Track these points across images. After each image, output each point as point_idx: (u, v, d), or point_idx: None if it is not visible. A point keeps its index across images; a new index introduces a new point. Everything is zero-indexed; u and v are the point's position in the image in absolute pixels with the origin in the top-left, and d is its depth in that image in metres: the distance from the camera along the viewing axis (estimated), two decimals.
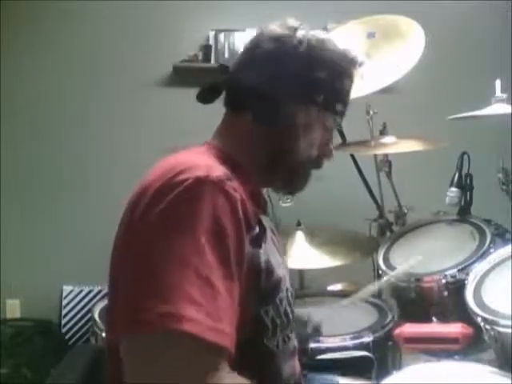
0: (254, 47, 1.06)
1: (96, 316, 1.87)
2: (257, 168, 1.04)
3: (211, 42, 2.98)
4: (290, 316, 1.02)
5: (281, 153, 1.04)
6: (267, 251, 0.95)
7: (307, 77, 1.03)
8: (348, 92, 1.10)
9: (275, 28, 1.08)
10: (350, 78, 1.09)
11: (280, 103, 1.02)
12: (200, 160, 0.93)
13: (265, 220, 1.01)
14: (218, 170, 0.89)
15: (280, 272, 0.98)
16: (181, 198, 0.84)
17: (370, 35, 1.92)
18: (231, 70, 1.08)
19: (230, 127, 1.07)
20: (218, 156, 0.99)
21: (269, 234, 0.99)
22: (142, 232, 0.85)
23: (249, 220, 0.90)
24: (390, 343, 1.59)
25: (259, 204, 1.03)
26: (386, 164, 2.11)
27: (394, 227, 2.14)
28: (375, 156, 2.16)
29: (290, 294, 1.03)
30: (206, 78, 1.04)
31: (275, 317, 0.96)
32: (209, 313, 0.78)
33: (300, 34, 1.06)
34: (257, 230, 0.93)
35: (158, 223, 0.84)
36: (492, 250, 1.64)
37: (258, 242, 0.93)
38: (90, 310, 2.88)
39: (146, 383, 0.77)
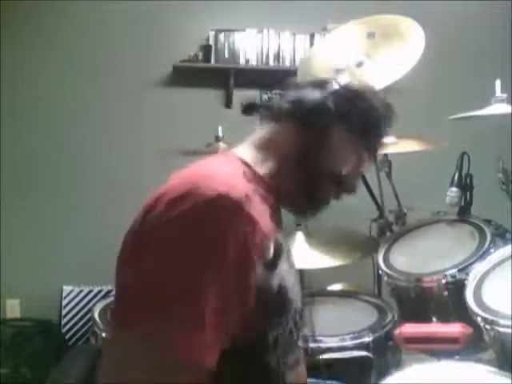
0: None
1: (96, 316, 1.87)
2: (282, 179, 1.02)
3: (211, 42, 2.98)
4: (294, 334, 1.01)
5: (308, 153, 1.02)
6: (282, 273, 0.93)
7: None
8: (380, 140, 1.10)
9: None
10: (384, 128, 1.09)
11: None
12: (222, 173, 0.90)
13: (281, 237, 0.99)
14: (240, 188, 0.86)
15: (293, 294, 0.97)
16: (195, 214, 0.82)
17: (370, 35, 1.92)
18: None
19: (264, 138, 1.04)
20: (242, 168, 0.96)
21: (285, 254, 0.97)
22: (149, 240, 0.84)
23: (264, 244, 0.87)
24: (390, 343, 1.59)
25: (279, 220, 1.03)
26: (385, 164, 2.11)
27: (394, 227, 2.14)
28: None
29: (297, 315, 1.01)
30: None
31: (279, 336, 0.95)
32: (190, 331, 0.78)
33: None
34: (271, 253, 0.90)
35: (166, 235, 0.83)
36: (492, 250, 1.64)
37: (273, 265, 0.91)
38: (90, 310, 2.88)
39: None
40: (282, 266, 0.94)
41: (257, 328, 0.91)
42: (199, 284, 0.79)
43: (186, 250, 0.81)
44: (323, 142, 1.01)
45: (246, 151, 1.02)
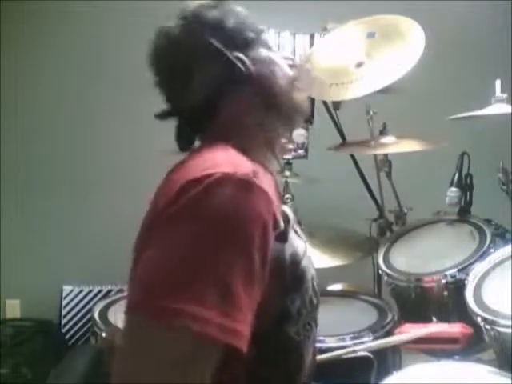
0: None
1: (96, 316, 1.87)
2: (272, 130, 1.06)
3: None
4: (315, 303, 1.01)
5: (275, 94, 1.05)
6: (292, 242, 0.95)
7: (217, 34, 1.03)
8: (242, 15, 1.09)
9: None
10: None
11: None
12: (226, 156, 0.91)
13: (287, 209, 1.01)
14: (246, 166, 0.88)
15: (305, 261, 0.97)
16: (206, 195, 0.83)
17: (370, 35, 1.92)
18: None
19: (219, 122, 1.05)
20: (233, 145, 0.96)
21: (292, 225, 0.99)
22: (164, 225, 0.84)
23: (276, 217, 0.88)
24: None
25: (279, 193, 1.04)
26: (386, 164, 2.11)
27: (394, 227, 2.14)
28: (375, 156, 2.16)
29: (315, 283, 1.02)
30: None
31: (301, 306, 0.96)
32: (222, 313, 0.78)
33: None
34: (282, 225, 0.91)
35: (181, 219, 0.83)
36: (492, 250, 1.64)
37: (284, 236, 0.92)
38: (90, 310, 2.87)
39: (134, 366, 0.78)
40: (292, 237, 0.96)
41: (277, 301, 0.91)
42: (226, 264, 0.80)
43: (206, 233, 0.81)
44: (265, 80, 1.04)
45: (221, 143, 0.99)
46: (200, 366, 0.79)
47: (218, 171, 0.84)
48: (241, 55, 1.03)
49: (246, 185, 0.84)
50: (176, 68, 1.05)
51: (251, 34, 1.06)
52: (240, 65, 1.02)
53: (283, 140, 1.14)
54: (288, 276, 0.93)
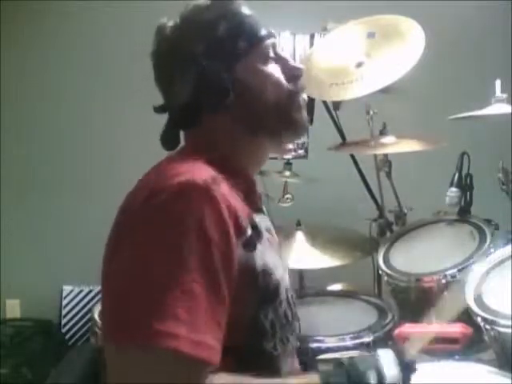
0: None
1: (96, 316, 1.87)
2: (249, 147, 1.02)
3: None
4: (290, 318, 1.00)
5: (254, 114, 1.00)
6: (263, 253, 0.93)
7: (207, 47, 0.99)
8: (245, 20, 1.02)
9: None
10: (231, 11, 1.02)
11: (214, 76, 0.98)
12: (186, 165, 0.91)
13: (261, 220, 0.98)
14: (204, 174, 0.87)
15: (278, 274, 0.96)
16: (164, 206, 0.83)
17: (370, 35, 1.92)
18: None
19: (202, 131, 1.03)
20: (207, 157, 0.95)
21: (265, 234, 0.97)
22: (125, 241, 0.85)
23: (239, 224, 0.88)
24: (390, 343, 1.59)
25: (254, 203, 1.01)
26: (386, 164, 2.11)
27: (394, 227, 2.14)
28: (375, 156, 2.15)
29: (290, 296, 1.01)
30: None
31: (275, 320, 0.95)
32: (190, 327, 0.77)
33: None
34: (249, 232, 0.91)
35: (139, 233, 0.84)
36: (492, 250, 1.64)
37: (251, 245, 0.91)
38: (89, 310, 2.88)
39: None
40: (263, 248, 0.93)
41: (250, 314, 0.91)
42: (191, 280, 0.79)
43: (164, 247, 0.81)
44: (249, 91, 0.99)
45: (197, 152, 0.99)
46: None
47: (175, 182, 0.84)
48: (225, 70, 0.97)
49: (202, 191, 0.84)
50: (161, 69, 1.04)
51: (243, 44, 0.99)
52: (219, 81, 0.97)
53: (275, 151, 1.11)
54: (259, 287, 0.91)
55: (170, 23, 1.04)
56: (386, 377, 0.88)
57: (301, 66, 1.05)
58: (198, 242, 0.81)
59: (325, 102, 2.22)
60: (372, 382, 0.87)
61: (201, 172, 0.88)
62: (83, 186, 2.95)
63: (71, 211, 2.95)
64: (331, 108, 2.23)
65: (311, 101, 2.61)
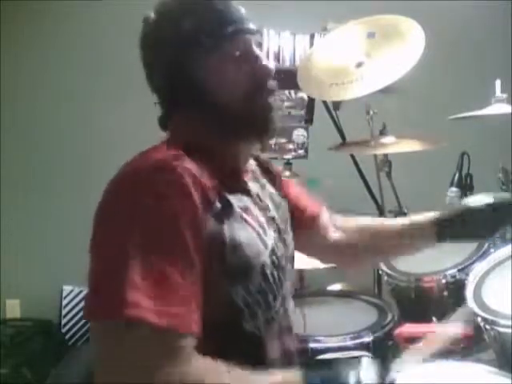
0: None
1: None
2: (213, 140, 1.02)
3: None
4: (269, 295, 0.99)
5: (215, 109, 1.00)
6: (234, 228, 0.94)
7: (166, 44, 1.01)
8: (212, 16, 1.00)
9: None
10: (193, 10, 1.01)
11: (169, 79, 1.01)
12: (152, 150, 0.96)
13: (237, 199, 0.98)
14: (163, 153, 0.92)
15: (252, 251, 0.95)
16: (125, 188, 0.90)
17: (370, 35, 1.92)
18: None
19: (174, 125, 1.06)
20: (175, 145, 0.96)
21: (238, 211, 0.96)
22: (95, 229, 0.90)
23: (207, 196, 0.90)
24: (390, 343, 1.59)
25: (234, 185, 1.00)
26: (386, 164, 2.11)
27: None
28: (375, 156, 2.16)
29: (269, 272, 0.99)
30: None
31: (247, 298, 0.95)
32: (156, 298, 0.80)
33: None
34: (218, 205, 0.92)
35: (103, 218, 0.89)
36: (492, 250, 1.64)
37: (220, 217, 0.92)
38: None
39: (108, 366, 0.81)
40: (236, 223, 0.94)
41: (220, 289, 0.92)
42: (155, 253, 0.83)
43: (125, 227, 0.85)
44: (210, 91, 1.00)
45: (170, 143, 1.01)
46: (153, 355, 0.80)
47: (134, 166, 0.92)
48: (190, 68, 0.98)
49: (159, 169, 0.88)
50: (142, 57, 1.08)
51: (207, 39, 0.98)
52: (183, 81, 0.99)
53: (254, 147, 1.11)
54: (226, 260, 0.92)
55: (151, 16, 1.06)
56: (362, 381, 0.90)
57: (271, 65, 1.03)
58: (162, 216, 0.85)
59: (325, 102, 2.23)
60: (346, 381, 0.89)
61: (162, 153, 0.93)
62: (83, 186, 2.95)
63: (71, 211, 2.95)
64: (331, 108, 2.24)
65: (311, 101, 2.62)
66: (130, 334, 0.79)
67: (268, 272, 0.99)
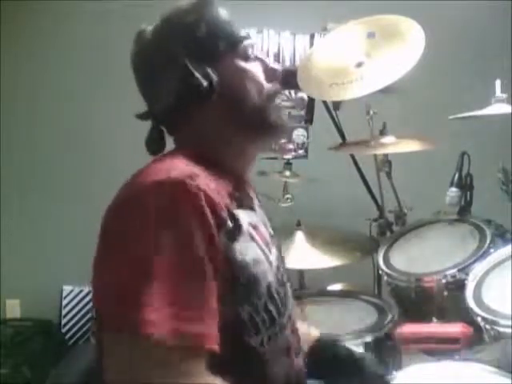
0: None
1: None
2: (231, 144, 1.04)
3: None
4: (274, 312, 1.00)
5: (236, 111, 1.03)
6: (243, 246, 0.95)
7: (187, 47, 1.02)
8: (224, 21, 1.05)
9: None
10: (210, 16, 1.04)
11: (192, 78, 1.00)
12: (164, 164, 0.95)
13: (244, 214, 0.99)
14: (177, 171, 0.91)
15: (258, 268, 0.97)
16: (142, 205, 0.88)
17: (370, 35, 1.92)
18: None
19: (184, 134, 1.07)
20: (187, 157, 0.98)
21: (246, 228, 0.98)
22: (107, 243, 0.90)
23: (219, 215, 0.90)
24: (390, 343, 1.59)
25: (240, 199, 1.02)
26: (386, 164, 2.11)
27: (394, 227, 2.14)
28: (375, 156, 2.16)
29: (274, 290, 1.01)
30: None
31: (253, 313, 0.96)
32: (173, 316, 0.80)
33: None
34: (229, 224, 0.93)
35: (119, 234, 0.88)
36: (492, 250, 1.64)
37: (230, 236, 0.93)
38: (89, 310, 2.88)
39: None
40: (243, 240, 0.95)
41: (228, 304, 0.92)
42: (171, 271, 0.83)
43: (143, 244, 0.85)
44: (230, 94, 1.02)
45: (188, 142, 1.04)
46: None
47: (153, 179, 0.89)
48: (207, 69, 1.00)
49: (177, 188, 0.87)
50: (142, 71, 1.09)
51: (223, 45, 1.02)
52: (201, 79, 0.99)
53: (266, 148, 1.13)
54: (237, 278, 0.93)
55: (150, 27, 1.07)
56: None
57: (278, 66, 1.08)
58: (177, 235, 0.85)
59: (325, 102, 2.23)
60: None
61: (177, 168, 0.92)
62: (83, 186, 2.95)
63: (71, 211, 2.95)
64: (331, 108, 2.23)
65: (311, 101, 2.62)
66: (147, 350, 0.80)
67: (273, 290, 1.01)
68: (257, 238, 1.01)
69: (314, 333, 1.26)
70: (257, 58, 1.06)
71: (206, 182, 0.91)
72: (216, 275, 0.87)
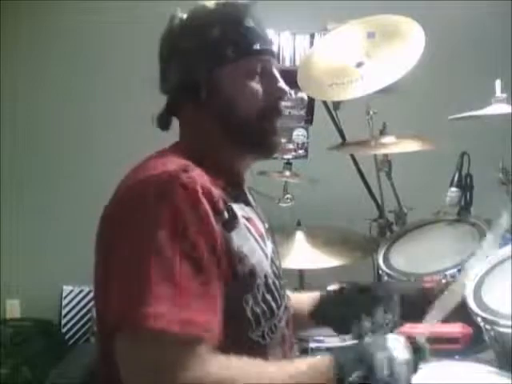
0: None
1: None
2: (221, 148, 1.05)
3: None
4: (272, 304, 1.01)
5: (227, 119, 1.03)
6: (239, 237, 0.96)
7: (200, 43, 1.03)
8: (243, 30, 1.05)
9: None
10: (237, 20, 1.05)
11: (195, 76, 1.02)
12: (160, 160, 0.97)
13: (238, 208, 1.01)
14: (173, 164, 0.93)
15: (254, 258, 0.98)
16: (140, 200, 0.89)
17: (370, 35, 1.92)
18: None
19: (183, 127, 1.09)
20: (182, 152, 1.00)
21: (241, 220, 0.99)
22: (108, 239, 0.92)
23: (216, 205, 0.92)
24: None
25: (235, 195, 1.03)
26: (385, 164, 2.11)
27: (393, 227, 2.14)
28: (375, 156, 2.16)
29: (272, 283, 1.02)
30: None
31: (254, 306, 0.97)
32: (178, 307, 0.82)
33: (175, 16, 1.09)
34: (225, 215, 0.94)
35: (120, 229, 0.90)
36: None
37: (227, 227, 0.94)
38: (89, 310, 2.88)
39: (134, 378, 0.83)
40: (239, 232, 0.96)
41: (230, 297, 0.93)
42: (172, 264, 0.84)
43: (144, 239, 0.86)
44: (225, 97, 1.03)
45: (178, 150, 1.05)
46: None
47: (147, 176, 0.91)
48: (208, 70, 1.01)
49: (173, 179, 0.89)
50: (159, 55, 1.09)
51: (232, 52, 1.02)
52: (198, 77, 1.01)
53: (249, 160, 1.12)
54: (236, 270, 0.94)
55: (179, 16, 1.08)
56: (396, 359, 0.90)
57: (287, 88, 1.07)
58: (177, 228, 0.86)
59: (325, 102, 2.23)
60: (380, 362, 0.88)
61: (173, 162, 0.94)
62: (84, 186, 2.95)
63: (71, 211, 2.95)
64: (331, 108, 2.23)
65: (311, 101, 2.62)
66: (155, 343, 0.81)
67: (270, 281, 1.02)
68: (252, 230, 1.02)
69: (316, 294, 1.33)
70: (265, 75, 1.05)
71: (202, 174, 0.93)
72: (218, 263, 0.89)
